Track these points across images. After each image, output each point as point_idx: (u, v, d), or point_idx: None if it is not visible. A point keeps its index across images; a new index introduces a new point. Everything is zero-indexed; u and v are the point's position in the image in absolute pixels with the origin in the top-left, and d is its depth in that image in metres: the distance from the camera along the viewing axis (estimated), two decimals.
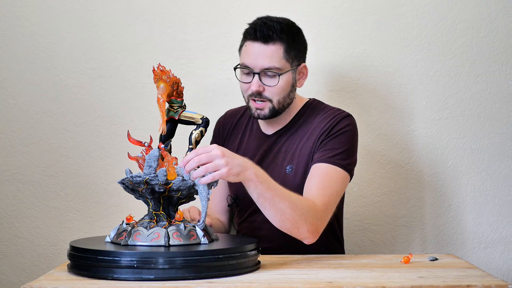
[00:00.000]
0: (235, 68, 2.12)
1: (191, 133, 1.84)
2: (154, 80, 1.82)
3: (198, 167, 1.72)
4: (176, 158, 1.76)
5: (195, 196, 1.79)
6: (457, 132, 2.47)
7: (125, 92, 2.47)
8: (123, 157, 1.96)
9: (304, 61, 2.13)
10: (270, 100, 2.07)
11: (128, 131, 1.87)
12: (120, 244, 1.72)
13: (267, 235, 2.06)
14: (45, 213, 2.47)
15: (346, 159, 2.03)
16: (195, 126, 1.85)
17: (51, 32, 2.46)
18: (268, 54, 2.04)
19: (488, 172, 2.47)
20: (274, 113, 2.09)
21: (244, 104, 2.19)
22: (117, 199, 2.46)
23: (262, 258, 1.84)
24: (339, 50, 2.46)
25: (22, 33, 2.46)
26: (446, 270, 1.76)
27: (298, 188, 2.02)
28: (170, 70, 1.83)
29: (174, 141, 1.86)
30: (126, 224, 1.78)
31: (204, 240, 1.73)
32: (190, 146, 1.83)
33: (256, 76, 2.05)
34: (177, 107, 1.85)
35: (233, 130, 2.26)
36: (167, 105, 1.85)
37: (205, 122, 1.84)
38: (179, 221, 1.75)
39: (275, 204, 1.80)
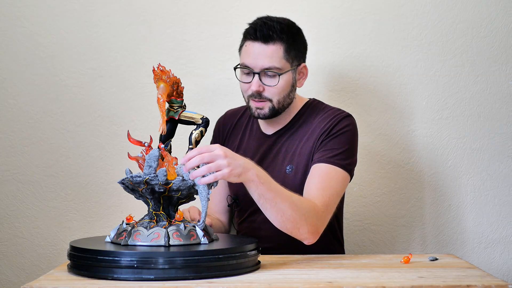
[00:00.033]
0: (235, 68, 2.12)
1: (191, 133, 1.84)
2: (154, 80, 1.82)
3: (199, 166, 1.72)
4: (176, 158, 1.76)
5: (195, 196, 1.79)
6: (457, 132, 2.47)
7: (125, 92, 2.47)
8: (123, 157, 1.96)
9: (304, 61, 2.13)
10: (270, 100, 2.07)
11: (128, 131, 1.87)
12: (120, 244, 1.72)
13: (267, 235, 2.06)
14: (45, 213, 2.47)
15: (346, 159, 2.03)
16: (195, 126, 1.85)
17: (51, 32, 2.46)
18: (268, 54, 2.04)
19: (488, 172, 2.47)
20: (274, 113, 2.09)
21: (244, 104, 2.19)
22: (117, 199, 2.46)
23: (262, 258, 1.84)
24: (339, 50, 2.46)
25: (22, 33, 2.46)
26: (446, 270, 1.76)
27: (298, 188, 2.02)
28: (170, 70, 1.83)
29: (174, 141, 1.86)
30: (126, 224, 1.78)
31: (204, 240, 1.73)
32: (190, 146, 1.83)
33: (256, 76, 2.05)
34: (177, 107, 1.85)
35: (233, 130, 2.26)
36: (167, 105, 1.85)
37: (205, 122, 1.84)
38: (179, 221, 1.75)
39: (276, 204, 1.80)
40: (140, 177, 1.72)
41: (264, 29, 2.04)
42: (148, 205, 1.78)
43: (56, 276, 1.68)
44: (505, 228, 2.48)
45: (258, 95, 2.07)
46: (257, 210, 2.07)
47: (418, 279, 1.64)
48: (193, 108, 1.98)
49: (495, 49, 2.46)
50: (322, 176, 1.99)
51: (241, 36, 2.11)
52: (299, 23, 2.14)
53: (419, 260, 1.91)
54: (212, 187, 1.77)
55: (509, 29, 2.46)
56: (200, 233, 1.74)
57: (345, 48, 2.46)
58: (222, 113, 2.33)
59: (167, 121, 1.82)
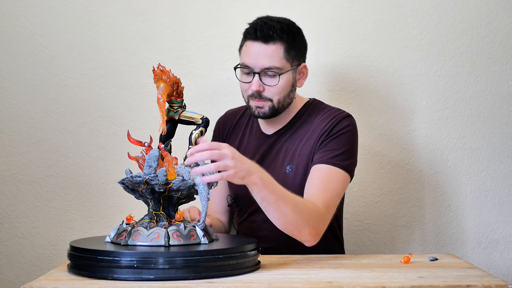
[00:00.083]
0: (235, 68, 2.12)
1: (191, 133, 1.84)
2: (154, 80, 1.82)
3: (197, 164, 1.72)
4: (176, 158, 1.76)
5: (195, 196, 1.79)
6: (457, 132, 2.47)
7: (125, 92, 2.47)
8: (123, 157, 1.96)
9: (304, 61, 2.13)
10: (271, 100, 2.07)
11: (128, 131, 1.87)
12: (120, 244, 1.72)
13: (267, 235, 2.06)
14: (45, 213, 2.47)
15: (347, 160, 2.04)
16: (195, 126, 1.85)
17: (51, 32, 2.46)
18: (268, 53, 2.04)
19: (488, 172, 2.47)
20: (274, 112, 2.09)
21: (244, 104, 2.19)
22: (117, 199, 2.46)
23: (262, 258, 1.84)
24: (339, 50, 2.46)
25: (22, 33, 2.46)
26: (446, 270, 1.76)
27: (298, 188, 2.02)
28: (170, 70, 1.83)
29: (174, 141, 1.86)
30: (126, 224, 1.78)
31: (204, 240, 1.73)
32: (190, 146, 1.83)
33: (256, 76, 2.05)
34: (177, 107, 1.85)
35: (233, 130, 2.26)
36: (167, 105, 1.85)
37: (205, 122, 1.84)
38: (179, 221, 1.75)
39: (278, 207, 1.81)
40: (140, 177, 1.72)
41: (265, 29, 2.04)
42: (148, 205, 1.78)
43: (56, 276, 1.68)
44: (505, 228, 2.48)
45: (258, 95, 2.07)
46: (257, 210, 2.07)
47: (418, 279, 1.64)
48: (193, 108, 1.98)
49: (495, 49, 2.46)
50: (322, 177, 1.99)
51: (241, 36, 2.11)
52: (299, 23, 2.14)
53: (419, 260, 1.91)
54: (212, 187, 1.77)
55: (509, 29, 2.46)
56: (200, 233, 1.74)
57: (345, 48, 2.46)
58: (222, 113, 2.33)
59: (167, 121, 1.82)
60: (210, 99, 2.46)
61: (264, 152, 2.16)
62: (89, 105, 2.47)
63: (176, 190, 1.73)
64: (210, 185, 1.75)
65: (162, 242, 1.70)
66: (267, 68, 2.04)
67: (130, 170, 1.75)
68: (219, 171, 1.71)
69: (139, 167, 1.77)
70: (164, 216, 1.76)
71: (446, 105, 2.47)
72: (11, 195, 2.47)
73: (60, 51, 2.46)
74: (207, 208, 1.75)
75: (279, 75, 2.05)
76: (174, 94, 1.85)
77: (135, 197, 1.80)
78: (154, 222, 1.74)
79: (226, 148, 1.72)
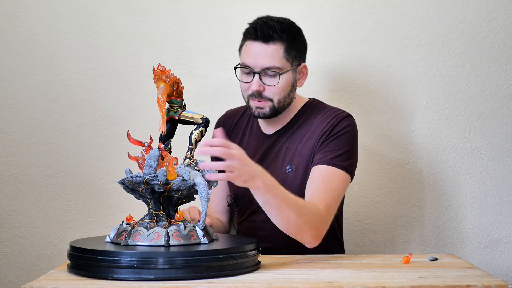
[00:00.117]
0: (235, 68, 2.12)
1: (191, 133, 1.84)
2: (154, 80, 1.82)
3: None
4: (176, 158, 1.76)
5: (195, 196, 1.79)
6: (457, 132, 2.47)
7: (125, 92, 2.47)
8: (123, 157, 1.96)
9: (304, 61, 2.13)
10: (271, 100, 2.07)
11: (128, 131, 1.87)
12: (120, 244, 1.72)
13: (267, 235, 2.06)
14: (45, 213, 2.47)
15: (347, 161, 2.04)
16: (195, 126, 1.85)
17: (51, 32, 2.46)
18: (268, 53, 2.04)
19: (488, 172, 2.47)
20: (274, 112, 2.09)
21: (244, 104, 2.19)
22: (117, 199, 2.46)
23: (262, 258, 1.84)
24: (339, 50, 2.46)
25: (22, 33, 2.46)
26: (446, 270, 1.76)
27: (298, 188, 2.02)
28: (170, 70, 1.83)
29: (174, 141, 1.86)
30: (126, 224, 1.78)
31: (204, 240, 1.73)
32: (190, 146, 1.83)
33: (257, 76, 2.05)
34: (177, 107, 1.85)
35: (233, 130, 2.26)
36: (167, 105, 1.85)
37: (205, 122, 1.84)
38: (179, 221, 1.75)
39: (281, 211, 1.81)
40: (140, 177, 1.72)
41: (265, 29, 2.04)
42: (148, 205, 1.78)
43: (56, 276, 1.68)
44: (505, 228, 2.48)
45: (259, 95, 2.07)
46: (257, 210, 2.07)
47: (418, 279, 1.64)
48: (193, 108, 1.98)
49: (495, 49, 2.46)
50: (323, 179, 1.99)
51: (241, 36, 2.11)
52: (299, 23, 2.14)
53: (419, 260, 1.91)
54: (212, 187, 1.77)
55: (509, 29, 2.46)
56: (200, 233, 1.74)
57: (345, 48, 2.46)
58: (222, 113, 2.33)
59: (167, 121, 1.82)
60: (210, 99, 2.46)
61: (264, 152, 2.16)
62: (89, 105, 2.47)
63: (176, 190, 1.73)
64: (210, 185, 1.75)
65: (162, 242, 1.70)
66: (267, 68, 2.05)
67: (130, 170, 1.75)
68: (222, 171, 1.72)
69: (139, 167, 1.77)
70: (164, 216, 1.76)
71: (446, 105, 2.47)
72: (11, 195, 2.47)
73: (60, 51, 2.46)
74: (207, 208, 1.75)
75: (279, 75, 2.05)
76: (174, 94, 1.85)
77: (135, 197, 1.80)
78: (154, 222, 1.74)
79: (235, 150, 1.73)
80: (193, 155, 1.83)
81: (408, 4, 2.45)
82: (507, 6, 2.46)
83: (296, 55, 2.09)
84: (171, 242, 1.70)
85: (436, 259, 1.92)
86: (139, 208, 2.02)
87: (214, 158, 2.26)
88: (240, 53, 2.12)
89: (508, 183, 2.47)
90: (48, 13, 2.46)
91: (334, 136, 2.06)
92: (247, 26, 2.10)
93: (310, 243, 1.90)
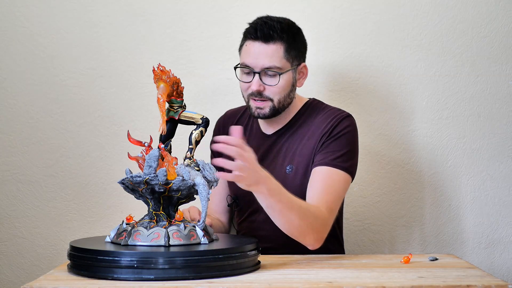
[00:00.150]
0: (235, 68, 2.12)
1: (191, 133, 1.84)
2: (154, 80, 1.82)
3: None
4: (176, 158, 1.76)
5: (195, 196, 1.79)
6: (457, 132, 2.47)
7: (125, 92, 2.47)
8: (123, 157, 1.96)
9: (304, 61, 2.13)
10: (271, 100, 2.07)
11: (128, 131, 1.87)
12: (120, 244, 1.72)
13: (267, 235, 2.06)
14: (45, 213, 2.47)
15: (348, 161, 2.04)
16: (195, 126, 1.85)
17: (51, 32, 2.46)
18: (268, 53, 2.04)
19: (488, 172, 2.47)
20: (274, 112, 2.10)
21: (244, 104, 2.19)
22: (117, 199, 2.45)
23: (262, 258, 1.84)
24: (339, 50, 2.46)
25: (22, 33, 2.46)
26: (446, 270, 1.76)
27: (298, 188, 2.02)
28: (170, 70, 1.83)
29: (174, 141, 1.86)
30: (126, 224, 1.78)
31: (204, 240, 1.73)
32: (190, 146, 1.83)
33: (257, 76, 2.05)
34: (177, 107, 1.85)
35: None
36: (167, 105, 1.85)
37: (205, 122, 1.84)
38: (179, 221, 1.75)
39: (284, 215, 1.81)
40: (140, 177, 1.72)
41: (265, 29, 2.04)
42: (148, 205, 1.77)
43: (56, 276, 1.68)
44: (505, 228, 2.48)
45: (259, 94, 2.07)
46: (257, 210, 2.07)
47: (418, 279, 1.64)
48: (193, 108, 1.98)
49: (495, 49, 2.46)
50: (325, 180, 1.99)
51: (241, 36, 2.11)
52: (299, 23, 2.14)
53: (419, 260, 1.91)
54: (212, 187, 1.77)
55: (509, 29, 2.46)
56: (200, 233, 1.74)
57: (345, 48, 2.46)
58: (222, 113, 2.33)
59: (167, 121, 1.82)
60: (210, 99, 2.46)
61: (264, 152, 2.15)
62: (89, 105, 2.47)
63: (176, 190, 1.73)
64: (210, 185, 1.75)
65: (162, 242, 1.70)
66: (267, 68, 2.05)
67: (130, 170, 1.75)
68: (229, 171, 1.71)
69: (139, 167, 1.77)
70: (164, 216, 1.76)
71: (446, 105, 2.47)
72: (11, 195, 2.47)
73: (60, 51, 2.46)
74: (207, 208, 1.75)
75: (279, 75, 2.05)
76: (174, 94, 1.85)
77: (135, 197, 1.80)
78: (154, 222, 1.74)
79: (248, 153, 1.72)
80: (193, 155, 1.83)
81: (408, 4, 2.45)
82: (507, 6, 2.46)
83: (296, 55, 2.09)
84: (171, 242, 1.70)
85: (436, 259, 1.92)
86: (139, 208, 2.02)
87: (217, 154, 2.27)
88: (240, 53, 2.12)
89: (508, 183, 2.47)
90: (48, 13, 2.46)
91: (334, 137, 2.06)
92: (247, 26, 2.10)
93: (312, 245, 1.91)
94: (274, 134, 2.16)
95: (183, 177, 1.73)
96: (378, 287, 1.57)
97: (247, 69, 2.07)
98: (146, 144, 1.77)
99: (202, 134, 1.84)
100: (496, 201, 2.48)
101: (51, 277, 1.66)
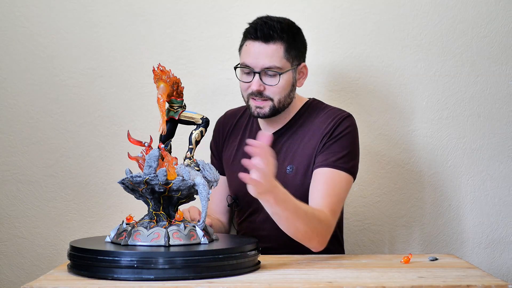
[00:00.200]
0: (235, 68, 2.12)
1: (191, 133, 1.84)
2: (154, 80, 1.82)
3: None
4: (176, 158, 1.76)
5: (195, 196, 1.79)
6: (457, 132, 2.47)
7: (125, 92, 2.47)
8: (123, 157, 1.96)
9: (304, 61, 2.13)
10: (271, 99, 2.08)
11: (128, 131, 1.87)
12: (120, 244, 1.72)
13: (267, 235, 2.06)
14: (45, 213, 2.47)
15: (350, 162, 2.04)
16: (195, 126, 1.85)
17: (51, 32, 2.46)
18: (268, 53, 2.04)
19: (488, 172, 2.47)
20: (274, 112, 2.10)
21: (244, 104, 2.19)
22: (117, 199, 2.45)
23: (262, 258, 1.84)
24: (339, 50, 2.46)
25: (22, 33, 2.46)
26: (446, 270, 1.76)
27: (298, 188, 2.02)
28: (170, 70, 1.83)
29: (174, 141, 1.86)
30: (126, 224, 1.78)
31: (204, 240, 1.73)
32: (190, 146, 1.83)
33: (257, 76, 2.05)
34: (177, 107, 1.85)
35: (233, 130, 2.26)
36: (167, 105, 1.85)
37: (205, 122, 1.84)
38: (179, 221, 1.75)
39: (290, 222, 1.82)
40: (140, 177, 1.72)
41: (265, 29, 2.04)
42: (148, 205, 1.77)
43: (56, 276, 1.68)
44: (505, 228, 2.48)
45: (259, 94, 2.07)
46: (257, 210, 2.07)
47: (418, 279, 1.64)
48: (193, 108, 1.98)
49: (495, 49, 2.46)
50: (327, 182, 2.00)
51: (241, 36, 2.11)
52: (299, 23, 2.14)
53: (419, 260, 1.91)
54: (212, 187, 1.77)
55: (509, 29, 2.46)
56: (200, 233, 1.74)
57: (345, 48, 2.46)
58: (222, 113, 2.33)
59: (167, 121, 1.82)
60: (210, 99, 2.46)
61: None
62: (89, 105, 2.47)
63: (176, 190, 1.73)
64: (210, 185, 1.75)
65: (162, 242, 1.70)
66: (267, 68, 2.05)
67: (130, 170, 1.75)
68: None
69: (139, 167, 1.77)
70: (164, 216, 1.76)
71: (446, 105, 2.47)
72: (11, 195, 2.47)
73: (60, 51, 2.46)
74: (207, 208, 1.75)
75: (280, 75, 2.05)
76: (174, 94, 1.85)
77: (135, 197, 1.80)
78: (154, 222, 1.74)
79: (269, 158, 1.69)
80: (193, 155, 1.83)
81: (408, 4, 2.45)
82: (507, 6, 2.45)
83: (296, 55, 2.09)
84: (171, 242, 1.70)
85: (436, 259, 1.92)
86: (139, 208, 2.02)
87: (217, 154, 2.26)
88: (240, 53, 2.11)
89: (508, 183, 2.47)
90: (48, 13, 2.46)
91: (336, 138, 2.06)
92: (247, 26, 2.10)
93: (316, 248, 1.92)
94: (274, 134, 2.16)
95: (183, 177, 1.73)
96: (378, 287, 1.57)
97: (247, 69, 2.07)
98: (146, 144, 1.77)
99: (202, 134, 1.84)
100: (496, 201, 2.48)
101: (51, 277, 1.66)
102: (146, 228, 1.72)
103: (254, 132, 2.21)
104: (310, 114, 2.15)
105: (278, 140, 2.15)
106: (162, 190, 1.73)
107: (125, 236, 1.72)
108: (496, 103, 2.47)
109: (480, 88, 2.47)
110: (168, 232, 1.71)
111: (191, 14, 2.46)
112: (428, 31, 2.46)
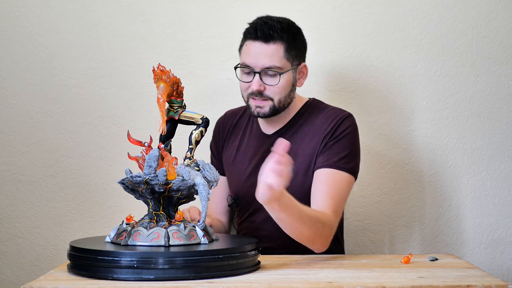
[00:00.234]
0: (235, 68, 2.12)
1: (191, 133, 1.84)
2: (154, 80, 1.82)
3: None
4: (176, 158, 1.76)
5: (195, 196, 1.79)
6: (457, 132, 2.47)
7: (125, 92, 2.47)
8: (123, 157, 1.96)
9: (304, 61, 2.13)
10: (272, 99, 2.08)
11: (128, 131, 1.87)
12: (120, 244, 1.72)
13: (267, 235, 2.06)
14: (45, 213, 2.47)
15: (351, 162, 2.04)
16: (195, 126, 1.85)
17: (51, 32, 2.46)
18: (269, 53, 2.04)
19: (488, 172, 2.47)
20: (274, 112, 2.10)
21: (243, 104, 2.19)
22: (117, 199, 2.45)
23: (262, 258, 1.84)
24: (339, 50, 2.46)
25: (22, 33, 2.46)
26: (446, 270, 1.76)
27: (298, 188, 2.02)
28: (170, 70, 1.83)
29: (174, 141, 1.86)
30: (126, 224, 1.78)
31: (204, 240, 1.73)
32: (190, 146, 1.83)
33: (257, 75, 2.05)
34: (177, 107, 1.85)
35: (233, 130, 2.26)
36: (167, 105, 1.85)
37: (205, 122, 1.84)
38: (179, 221, 1.75)
39: (294, 227, 1.82)
40: (140, 177, 1.72)
41: (265, 29, 2.04)
42: (148, 205, 1.77)
43: (56, 276, 1.68)
44: (505, 228, 2.48)
45: (259, 94, 2.07)
46: (257, 210, 2.07)
47: (418, 279, 1.64)
48: (193, 108, 1.98)
49: (495, 49, 2.46)
50: (329, 183, 2.00)
51: (241, 36, 2.11)
52: (299, 23, 2.14)
53: (419, 260, 1.91)
54: (212, 187, 1.77)
55: (509, 29, 2.46)
56: (200, 233, 1.74)
57: (345, 48, 2.46)
58: (222, 113, 2.33)
59: (167, 121, 1.82)
60: (210, 99, 2.46)
61: (264, 152, 2.15)
62: (89, 105, 2.47)
63: (176, 190, 1.73)
64: (210, 185, 1.75)
65: (162, 242, 1.70)
66: (267, 68, 2.05)
67: (130, 170, 1.75)
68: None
69: (139, 167, 1.77)
70: (164, 216, 1.76)
71: (446, 105, 2.47)
72: (11, 195, 2.47)
73: (60, 51, 2.46)
74: (207, 208, 1.75)
75: (280, 75, 2.05)
76: (174, 94, 1.85)
77: (135, 197, 1.79)
78: (154, 222, 1.74)
79: (285, 168, 1.67)
80: (193, 155, 1.83)
81: (408, 4, 2.46)
82: (507, 6, 2.46)
83: (296, 54, 2.09)
84: (171, 242, 1.70)
85: (436, 259, 1.92)
86: (139, 208, 2.02)
87: (217, 154, 2.26)
88: (240, 53, 2.12)
89: (508, 183, 2.47)
90: (48, 13, 2.46)
91: (337, 138, 2.06)
92: (247, 26, 2.10)
93: (318, 250, 1.93)
94: (274, 134, 2.16)
95: (183, 177, 1.73)
96: (378, 287, 1.57)
97: (247, 69, 2.07)
98: (146, 144, 1.77)
99: (202, 134, 1.84)
100: (496, 201, 2.48)
101: (51, 277, 1.66)
102: (146, 228, 1.72)
103: (254, 132, 2.21)
104: (311, 114, 2.15)
105: None
106: (162, 190, 1.73)
107: (125, 236, 1.72)
108: (496, 103, 2.47)
109: (480, 88, 2.47)
110: (168, 232, 1.71)
111: (191, 14, 2.46)
112: (428, 31, 2.46)
